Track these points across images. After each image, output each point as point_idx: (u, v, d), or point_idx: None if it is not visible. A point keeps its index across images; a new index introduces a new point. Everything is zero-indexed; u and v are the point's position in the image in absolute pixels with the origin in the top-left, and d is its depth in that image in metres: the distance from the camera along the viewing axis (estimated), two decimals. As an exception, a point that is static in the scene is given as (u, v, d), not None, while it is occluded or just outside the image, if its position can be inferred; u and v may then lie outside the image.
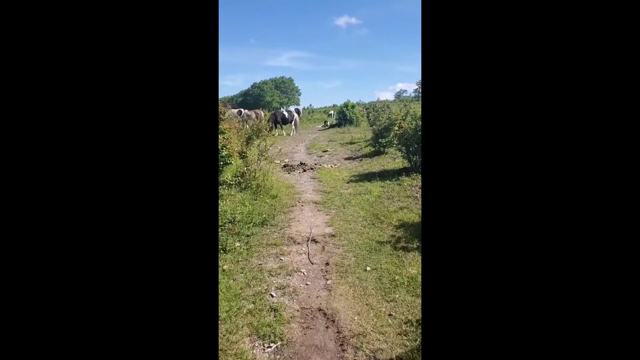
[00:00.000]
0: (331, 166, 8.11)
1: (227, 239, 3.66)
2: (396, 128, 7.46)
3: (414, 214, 4.39)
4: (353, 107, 18.34)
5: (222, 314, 2.48)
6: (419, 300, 2.55)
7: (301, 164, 8.37)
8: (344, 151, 10.28)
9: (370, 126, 11.14)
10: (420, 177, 5.78)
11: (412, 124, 6.48)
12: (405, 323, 2.37)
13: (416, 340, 2.19)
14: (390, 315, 2.48)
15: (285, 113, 16.22)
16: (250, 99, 52.76)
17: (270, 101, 52.11)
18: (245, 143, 7.28)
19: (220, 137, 5.40)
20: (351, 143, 11.53)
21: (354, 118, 17.73)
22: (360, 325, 2.38)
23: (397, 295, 2.70)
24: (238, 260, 3.34)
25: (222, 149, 5.30)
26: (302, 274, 3.12)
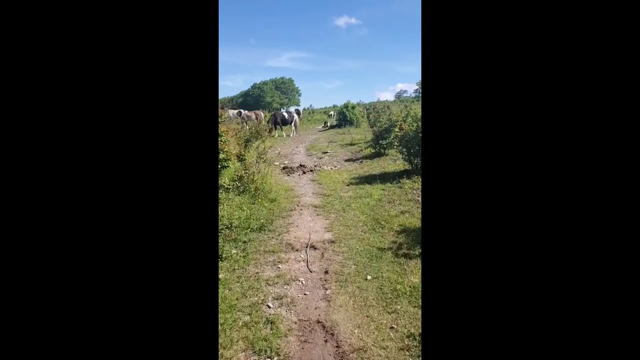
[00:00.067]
0: (331, 168, 8.01)
1: (223, 246, 3.56)
2: (397, 130, 7.35)
3: (415, 219, 4.28)
4: (353, 107, 18.23)
5: (216, 327, 2.38)
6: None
7: (301, 165, 8.26)
8: (344, 152, 10.17)
9: (371, 127, 11.05)
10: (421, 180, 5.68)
11: (412, 126, 6.38)
12: (408, 337, 2.27)
13: (419, 356, 2.09)
14: (391, 328, 2.37)
15: (285, 114, 16.15)
16: (250, 100, 52.70)
17: (270, 102, 52.00)
18: (243, 145, 7.16)
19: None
20: (351, 144, 11.43)
21: (354, 119, 17.63)
22: (361, 339, 2.27)
23: (398, 307, 2.59)
24: (234, 269, 3.24)
25: (219, 152, 5.20)
26: (300, 283, 3.02)
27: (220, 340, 2.26)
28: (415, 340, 2.22)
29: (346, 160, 8.90)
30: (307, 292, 2.88)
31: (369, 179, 6.50)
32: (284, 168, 8.11)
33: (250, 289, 2.91)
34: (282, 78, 59.79)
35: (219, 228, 3.93)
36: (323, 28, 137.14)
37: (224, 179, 5.30)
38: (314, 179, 6.94)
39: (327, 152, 10.33)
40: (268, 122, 14.82)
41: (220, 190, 5.06)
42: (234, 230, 3.99)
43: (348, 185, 6.28)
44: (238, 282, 3.02)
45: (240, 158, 6.61)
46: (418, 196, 5.15)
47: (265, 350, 2.20)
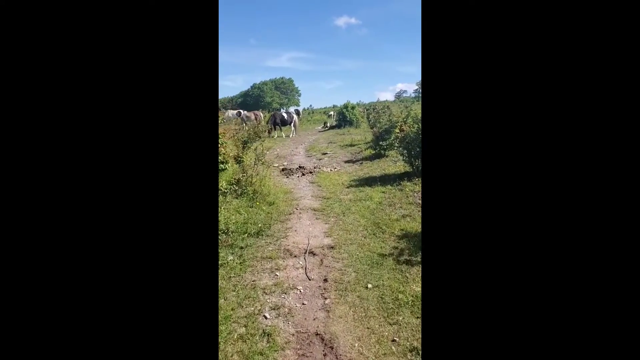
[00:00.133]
0: (331, 170, 7.90)
1: (219, 252, 3.46)
2: (397, 130, 7.25)
3: (416, 223, 4.18)
4: (353, 108, 18.12)
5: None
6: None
7: (300, 167, 8.16)
8: (344, 154, 10.06)
9: (371, 128, 10.94)
10: (422, 182, 5.58)
11: (413, 127, 6.27)
12: (410, 351, 2.16)
13: (423, 372, 1.99)
14: (393, 341, 2.27)
15: (285, 114, 16.05)
16: (250, 100, 52.63)
17: (270, 102, 51.95)
18: (242, 147, 7.05)
19: (214, 142, 5.19)
20: (351, 145, 11.32)
21: (354, 119, 17.52)
22: (361, 353, 2.17)
23: (400, 317, 2.49)
24: (230, 276, 3.14)
25: (217, 154, 5.10)
26: (298, 292, 2.91)
27: (214, 355, 2.16)
28: (419, 354, 2.12)
29: (346, 162, 8.79)
30: (305, 302, 2.77)
31: (369, 181, 6.40)
32: (283, 170, 8.01)
33: (246, 298, 2.81)
34: (282, 78, 59.81)
35: (216, 233, 3.82)
36: (323, 28, 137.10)
37: (221, 182, 5.20)
38: (314, 181, 6.84)
39: (326, 153, 10.22)
40: (267, 123, 14.72)
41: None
42: (231, 235, 3.89)
43: (348, 187, 6.17)
44: (234, 290, 2.92)
45: (238, 160, 6.50)
46: (419, 199, 5.05)
47: (261, 366, 2.09)
